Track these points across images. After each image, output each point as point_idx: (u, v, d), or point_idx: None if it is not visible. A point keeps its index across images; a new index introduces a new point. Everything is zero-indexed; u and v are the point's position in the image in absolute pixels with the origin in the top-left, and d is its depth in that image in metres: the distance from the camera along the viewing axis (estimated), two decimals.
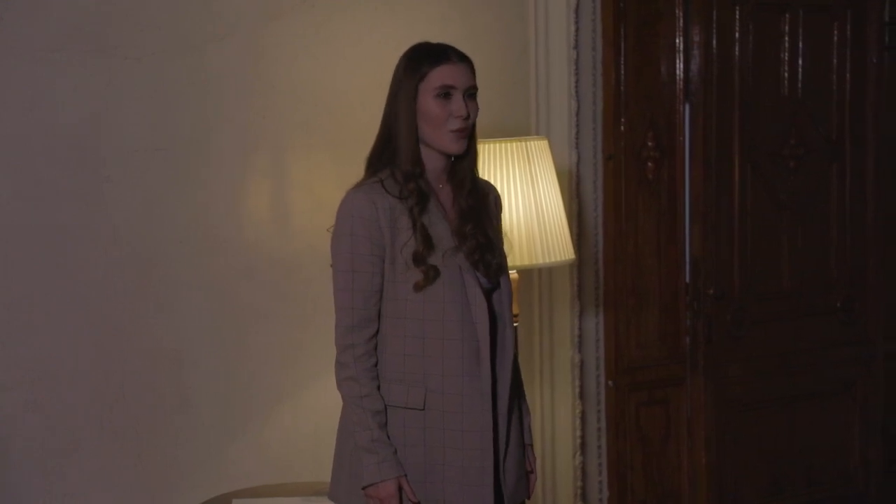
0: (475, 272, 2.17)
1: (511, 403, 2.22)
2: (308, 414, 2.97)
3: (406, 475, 2.14)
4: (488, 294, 2.19)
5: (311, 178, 2.94)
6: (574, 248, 2.93)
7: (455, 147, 2.16)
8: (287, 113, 2.91)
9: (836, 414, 3.84)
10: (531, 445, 2.33)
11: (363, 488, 2.13)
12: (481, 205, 2.23)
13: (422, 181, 2.15)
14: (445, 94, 2.13)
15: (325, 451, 2.89)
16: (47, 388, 2.68)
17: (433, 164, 2.19)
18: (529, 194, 2.75)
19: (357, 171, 2.21)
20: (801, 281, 3.74)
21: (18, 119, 2.63)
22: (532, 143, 2.79)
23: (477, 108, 2.18)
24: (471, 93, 2.17)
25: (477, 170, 2.25)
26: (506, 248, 2.30)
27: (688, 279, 3.54)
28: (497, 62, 3.15)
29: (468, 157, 2.21)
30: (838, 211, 3.80)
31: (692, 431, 3.58)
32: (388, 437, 2.14)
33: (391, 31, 2.99)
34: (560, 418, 3.32)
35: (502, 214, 2.35)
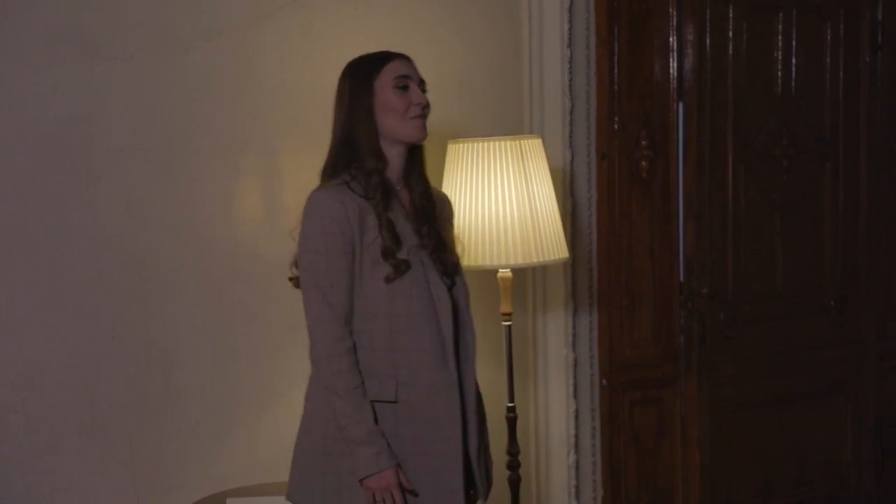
0: (436, 269, 2.23)
1: (478, 406, 2.30)
2: (297, 413, 2.92)
3: (400, 465, 2.16)
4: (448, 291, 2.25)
5: (300, 179, 2.92)
6: (568, 246, 2.92)
7: (420, 134, 2.24)
8: (276, 113, 2.89)
9: (829, 414, 3.85)
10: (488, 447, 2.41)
11: (361, 480, 2.14)
12: (433, 206, 2.31)
13: (385, 177, 2.22)
14: (403, 85, 2.22)
15: None
16: (32, 388, 2.65)
17: (393, 161, 2.26)
18: (523, 193, 2.74)
19: None
20: (793, 280, 3.74)
21: (3, 119, 2.60)
22: (526, 141, 2.78)
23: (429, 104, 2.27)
24: (423, 87, 2.26)
25: (426, 171, 2.33)
26: (458, 251, 2.38)
27: (681, 278, 3.54)
28: (491, 61, 3.14)
29: (418, 159, 2.29)
30: (831, 210, 3.80)
31: (685, 430, 3.58)
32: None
33: (381, 30, 2.97)
34: (554, 417, 3.32)
35: (454, 220, 2.47)
